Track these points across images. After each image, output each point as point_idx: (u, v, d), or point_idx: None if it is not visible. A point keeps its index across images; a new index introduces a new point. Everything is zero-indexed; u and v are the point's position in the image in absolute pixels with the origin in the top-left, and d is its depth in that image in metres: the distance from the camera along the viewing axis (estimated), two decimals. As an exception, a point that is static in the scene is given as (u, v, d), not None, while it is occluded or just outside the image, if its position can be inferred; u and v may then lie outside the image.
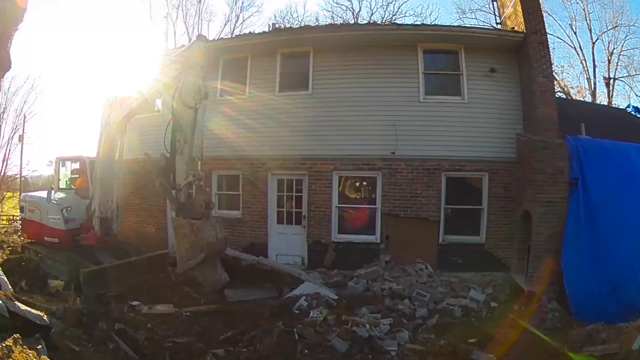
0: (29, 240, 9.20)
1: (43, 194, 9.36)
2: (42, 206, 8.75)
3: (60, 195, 9.06)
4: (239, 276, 8.43)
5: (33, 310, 5.07)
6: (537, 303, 7.54)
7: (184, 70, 7.14)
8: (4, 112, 25.11)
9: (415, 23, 14.81)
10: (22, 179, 26.06)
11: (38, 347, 4.40)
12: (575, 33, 23.86)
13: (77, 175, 9.77)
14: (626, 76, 23.43)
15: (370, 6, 34.31)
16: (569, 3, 24.12)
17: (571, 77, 38.47)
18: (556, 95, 10.42)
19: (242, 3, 44.38)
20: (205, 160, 10.75)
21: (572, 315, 7.21)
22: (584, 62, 23.69)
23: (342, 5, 30.02)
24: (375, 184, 9.91)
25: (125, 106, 8.04)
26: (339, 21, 25.90)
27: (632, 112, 11.91)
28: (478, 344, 5.90)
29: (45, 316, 5.13)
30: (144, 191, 10.99)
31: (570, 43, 24.04)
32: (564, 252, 7.76)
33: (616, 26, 23.20)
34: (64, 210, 8.52)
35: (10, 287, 6.32)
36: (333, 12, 28.59)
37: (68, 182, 10.00)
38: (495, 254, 9.40)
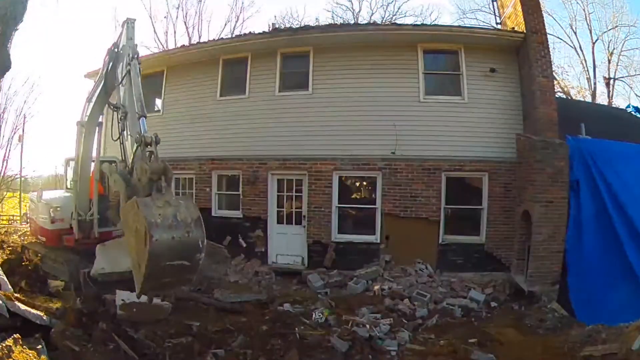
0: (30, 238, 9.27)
1: (48, 193, 9.44)
2: (35, 205, 8.96)
3: (53, 195, 9.11)
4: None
5: (33, 310, 5.07)
6: (537, 303, 7.56)
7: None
8: (4, 112, 25.07)
9: (415, 23, 14.74)
10: (22, 179, 26.11)
11: (38, 347, 4.41)
12: (575, 33, 23.88)
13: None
14: (626, 76, 23.45)
15: (370, 6, 34.36)
16: (569, 3, 24.13)
17: (571, 77, 38.41)
18: (556, 95, 10.41)
19: (242, 3, 44.47)
20: (205, 161, 10.88)
21: (575, 316, 7.21)
22: (584, 62, 23.70)
23: (342, 5, 30.01)
24: (375, 184, 9.90)
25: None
26: (339, 21, 25.87)
27: (632, 112, 11.91)
28: (478, 344, 5.91)
29: (45, 316, 5.13)
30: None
31: (570, 43, 24.05)
32: (567, 253, 7.77)
33: (616, 26, 23.23)
34: (52, 210, 8.47)
35: (10, 287, 6.29)
36: (333, 12, 28.60)
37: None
38: (495, 254, 9.39)
